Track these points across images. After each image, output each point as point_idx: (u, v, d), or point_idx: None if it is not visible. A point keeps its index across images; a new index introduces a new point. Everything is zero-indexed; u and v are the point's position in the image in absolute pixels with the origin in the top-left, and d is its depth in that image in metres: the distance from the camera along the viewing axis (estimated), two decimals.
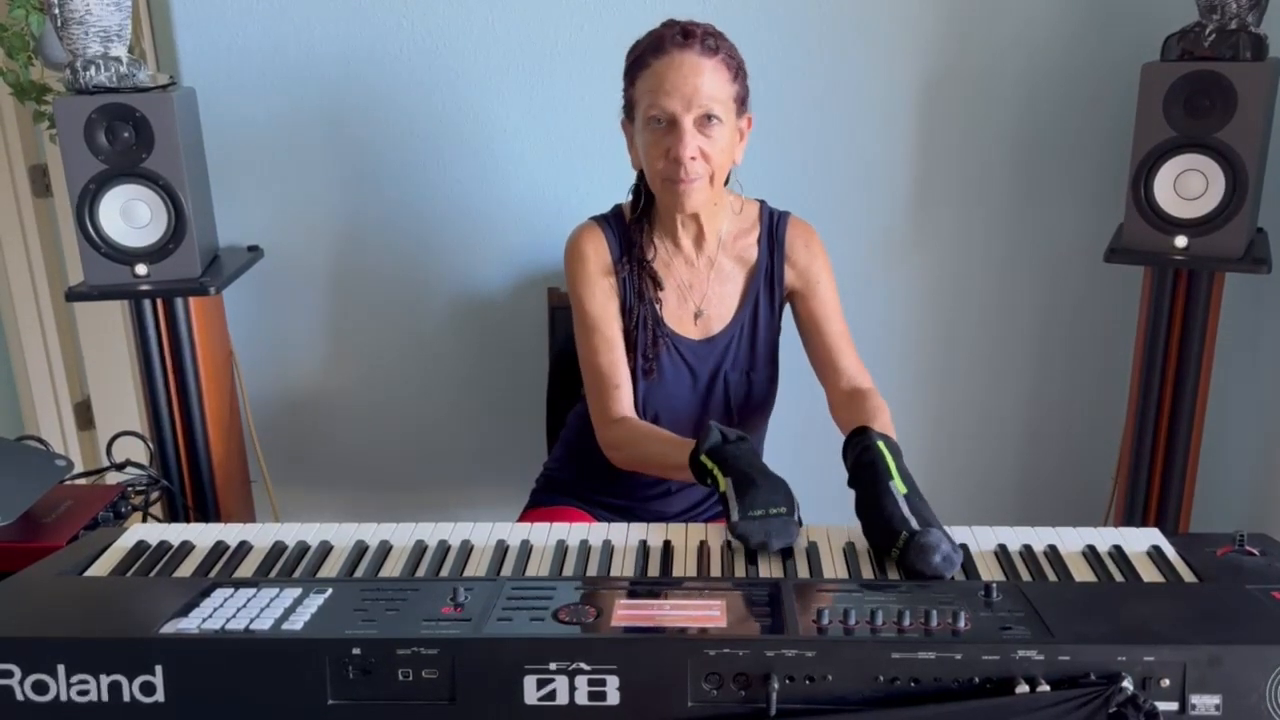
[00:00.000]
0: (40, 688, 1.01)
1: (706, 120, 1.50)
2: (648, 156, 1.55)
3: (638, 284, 1.63)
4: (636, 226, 1.64)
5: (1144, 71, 1.82)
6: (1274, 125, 1.83)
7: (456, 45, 2.10)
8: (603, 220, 1.67)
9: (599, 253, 1.63)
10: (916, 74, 2.10)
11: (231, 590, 1.11)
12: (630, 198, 1.66)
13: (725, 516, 1.29)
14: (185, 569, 1.24)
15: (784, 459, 1.96)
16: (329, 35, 2.09)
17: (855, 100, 2.11)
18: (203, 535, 1.31)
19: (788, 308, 1.71)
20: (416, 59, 2.11)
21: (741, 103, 1.56)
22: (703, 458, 1.38)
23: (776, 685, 0.97)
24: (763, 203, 1.69)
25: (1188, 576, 1.18)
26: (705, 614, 1.04)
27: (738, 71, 1.54)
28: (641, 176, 1.62)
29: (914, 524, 1.20)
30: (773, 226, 1.66)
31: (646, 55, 1.52)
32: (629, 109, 1.58)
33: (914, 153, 2.14)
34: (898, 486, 1.26)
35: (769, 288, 1.66)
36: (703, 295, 1.66)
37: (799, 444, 1.86)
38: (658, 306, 1.64)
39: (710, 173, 1.53)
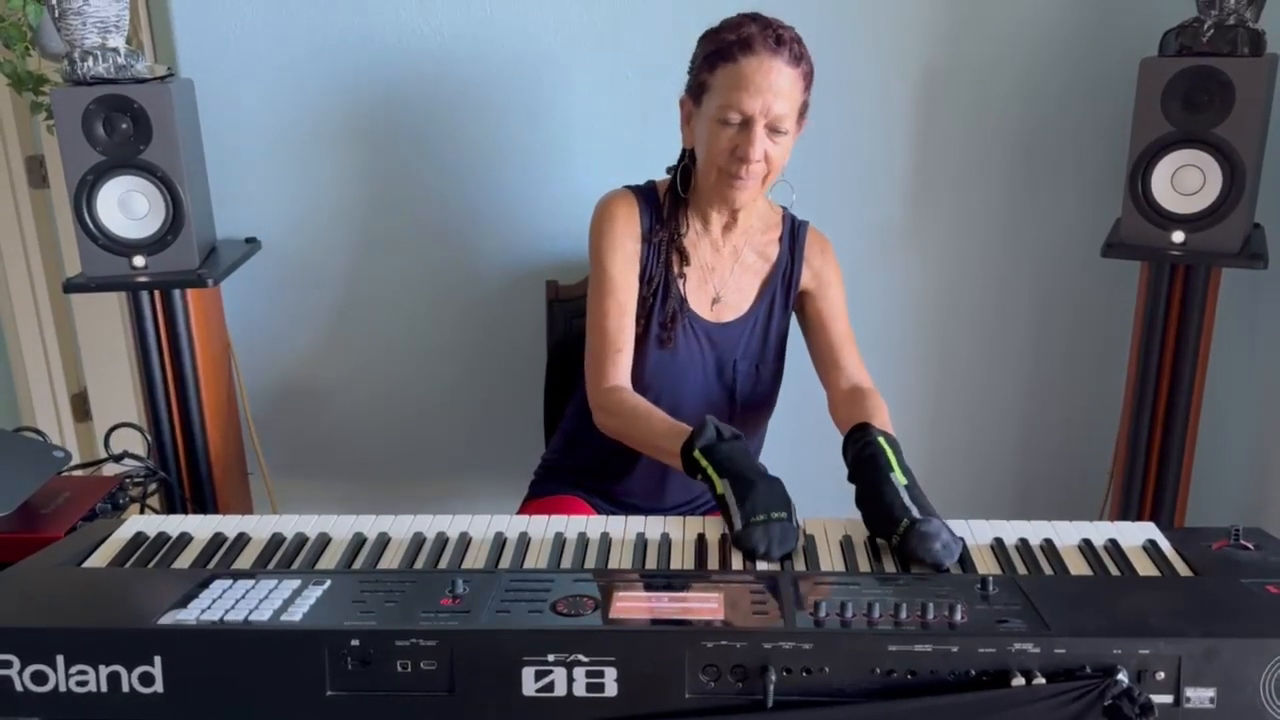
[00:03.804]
0: (39, 678, 1.01)
1: (777, 126, 1.52)
2: (710, 147, 1.55)
3: (664, 256, 1.64)
4: (672, 201, 1.65)
5: (1142, 66, 1.82)
6: (1271, 121, 1.84)
7: (456, 37, 2.09)
8: (637, 190, 1.68)
9: (630, 218, 1.64)
10: (915, 67, 2.10)
11: (230, 581, 1.11)
12: (669, 174, 1.67)
13: (726, 523, 1.28)
14: (184, 560, 1.24)
15: (781, 458, 1.96)
16: (326, 26, 2.09)
17: (854, 93, 2.10)
18: (201, 526, 1.32)
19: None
20: (415, 50, 2.10)
21: (804, 111, 1.58)
22: (696, 453, 1.37)
23: (774, 677, 0.98)
24: (785, 209, 1.72)
25: (1183, 570, 1.18)
26: (703, 606, 1.04)
27: (810, 82, 1.56)
28: (687, 155, 1.63)
29: (915, 512, 1.22)
30: (794, 230, 1.71)
31: (735, 49, 1.50)
32: (696, 90, 1.57)
33: (912, 146, 2.14)
34: (898, 478, 1.28)
35: (785, 286, 1.69)
36: (722, 281, 1.67)
37: (796, 445, 1.86)
38: (681, 283, 1.65)
39: (766, 174, 1.56)
